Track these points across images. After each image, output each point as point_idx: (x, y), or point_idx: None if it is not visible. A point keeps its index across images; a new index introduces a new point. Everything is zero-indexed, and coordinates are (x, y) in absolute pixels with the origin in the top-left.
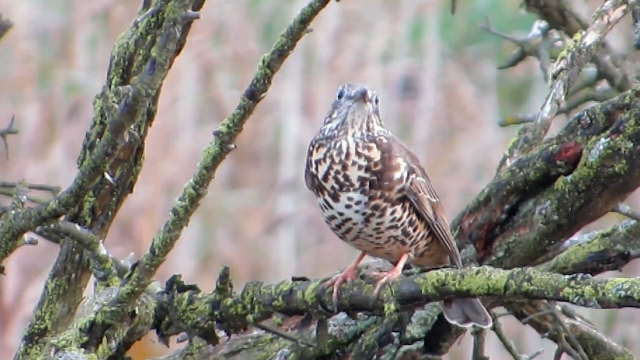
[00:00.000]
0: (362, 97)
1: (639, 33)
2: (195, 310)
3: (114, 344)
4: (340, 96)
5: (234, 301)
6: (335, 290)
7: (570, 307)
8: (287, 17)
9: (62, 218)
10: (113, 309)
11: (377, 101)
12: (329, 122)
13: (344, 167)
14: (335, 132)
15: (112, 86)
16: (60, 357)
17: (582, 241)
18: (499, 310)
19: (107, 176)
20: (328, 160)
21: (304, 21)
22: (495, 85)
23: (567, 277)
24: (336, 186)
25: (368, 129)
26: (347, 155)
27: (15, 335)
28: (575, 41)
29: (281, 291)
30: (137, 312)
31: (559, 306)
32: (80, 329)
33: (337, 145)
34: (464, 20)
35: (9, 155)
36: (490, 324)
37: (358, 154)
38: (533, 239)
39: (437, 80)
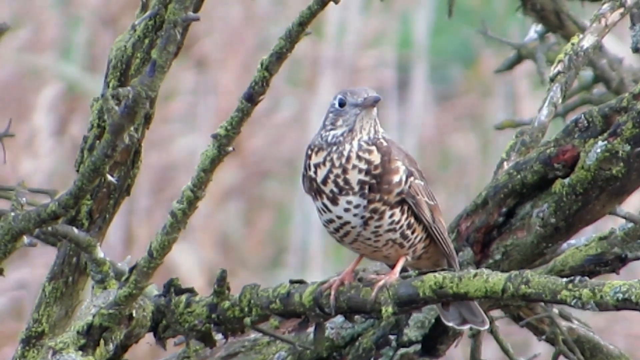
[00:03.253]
0: (374, 104)
1: (636, 36)
2: (193, 313)
3: (111, 346)
4: (342, 104)
5: (231, 304)
6: (332, 293)
7: (567, 309)
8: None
9: (60, 220)
10: (110, 311)
11: None
12: (331, 129)
13: (344, 171)
14: (341, 138)
15: (110, 89)
16: (58, 359)
17: (579, 244)
18: (496, 313)
19: (110, 177)
20: (328, 164)
21: (303, 24)
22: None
23: (564, 280)
24: (335, 190)
25: (375, 132)
26: (348, 159)
27: None
28: (573, 44)
29: (279, 294)
30: (134, 315)
31: (556, 309)
32: (77, 332)
33: (339, 149)
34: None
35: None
36: (488, 326)
37: (359, 157)
38: (530, 242)
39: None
